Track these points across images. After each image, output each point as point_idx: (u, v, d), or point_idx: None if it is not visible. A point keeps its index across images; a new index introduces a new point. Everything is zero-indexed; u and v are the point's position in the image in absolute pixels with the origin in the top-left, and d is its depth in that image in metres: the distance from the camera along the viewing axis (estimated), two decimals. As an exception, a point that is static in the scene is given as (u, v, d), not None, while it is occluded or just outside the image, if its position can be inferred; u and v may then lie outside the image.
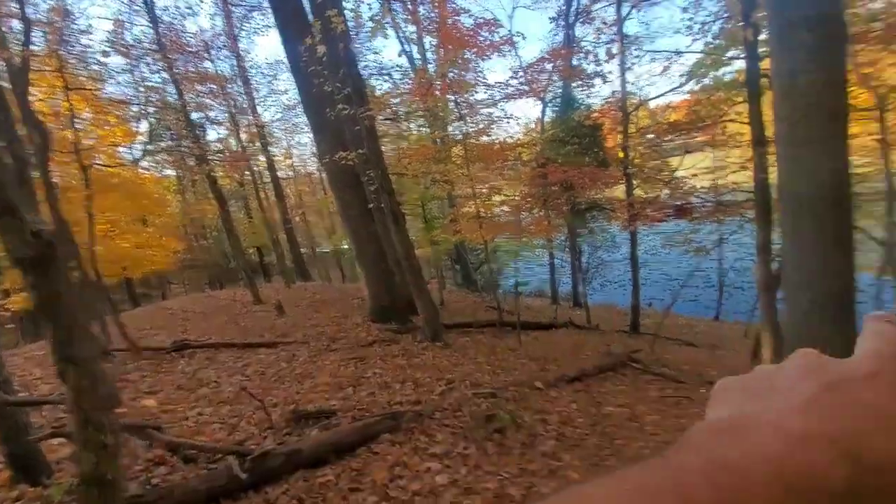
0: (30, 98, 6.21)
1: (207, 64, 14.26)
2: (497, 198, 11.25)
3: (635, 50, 10.61)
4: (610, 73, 10.39)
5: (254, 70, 16.71)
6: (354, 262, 8.61)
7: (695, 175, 10.42)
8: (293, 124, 18.10)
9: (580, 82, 11.73)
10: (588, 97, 12.93)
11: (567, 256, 15.44)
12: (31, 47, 6.62)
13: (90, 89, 8.52)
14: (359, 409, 3.99)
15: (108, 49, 9.54)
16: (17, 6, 6.45)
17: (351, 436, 3.21)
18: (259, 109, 17.05)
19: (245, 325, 8.03)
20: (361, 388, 4.62)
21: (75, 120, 7.96)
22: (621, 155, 10.40)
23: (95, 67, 9.00)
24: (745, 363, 7.14)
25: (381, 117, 8.92)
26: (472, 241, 11.69)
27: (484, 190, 10.19)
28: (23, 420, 2.67)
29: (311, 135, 8.28)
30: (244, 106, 15.92)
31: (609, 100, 11.14)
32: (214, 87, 13.25)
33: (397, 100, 9.02)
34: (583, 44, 12.16)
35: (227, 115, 15.40)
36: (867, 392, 0.23)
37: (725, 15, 6.60)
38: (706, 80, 8.02)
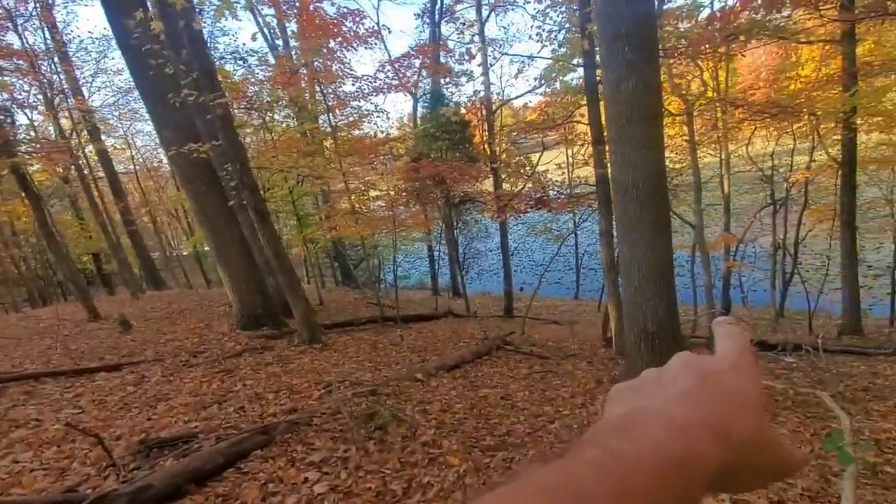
0: None
1: (12, 37, 11.63)
2: (372, 192, 11.14)
3: (495, 52, 11.33)
4: (473, 72, 10.95)
5: (75, 45, 14.07)
6: (216, 263, 7.81)
7: (546, 170, 11.51)
8: (130, 110, 15.71)
9: (448, 79, 12.14)
10: (456, 95, 13.49)
11: (445, 248, 15.99)
12: None
13: None
14: (225, 427, 3.64)
15: None
16: None
17: (214, 459, 2.91)
18: (85, 92, 14.44)
19: (78, 348, 6.78)
20: (228, 404, 4.22)
21: None
22: (488, 151, 11.03)
23: None
24: (597, 335, 8.13)
25: (238, 106, 8.16)
26: (350, 238, 11.42)
27: (359, 185, 10.00)
28: None
29: (150, 122, 7.23)
30: (64, 87, 13.33)
31: (473, 98, 11.75)
32: (22, 63, 10.86)
33: (256, 88, 8.34)
34: (449, 42, 12.60)
35: (40, 97, 12.74)
36: (731, 381, 0.28)
37: (567, 25, 7.36)
38: (556, 84, 8.88)
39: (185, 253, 21.68)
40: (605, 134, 5.19)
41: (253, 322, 7.23)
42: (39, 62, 12.54)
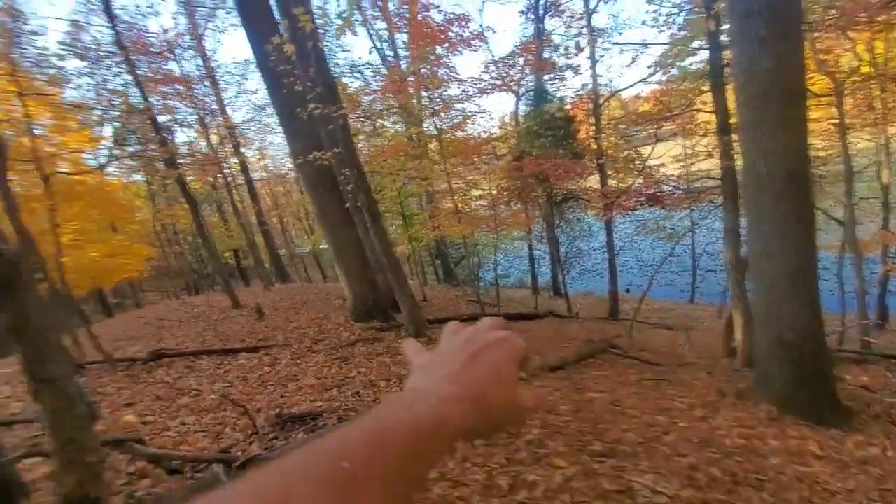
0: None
1: (172, 65, 13.87)
2: (475, 192, 11.31)
3: (604, 42, 10.77)
4: (580, 66, 10.53)
5: (221, 70, 16.32)
6: (334, 261, 8.54)
7: (662, 165, 10.65)
8: (265, 124, 17.77)
9: (552, 75, 11.84)
10: (560, 90, 13.10)
11: (546, 247, 15.65)
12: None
13: (48, 94, 8.17)
14: (344, 409, 3.99)
15: (63, 52, 9.16)
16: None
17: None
18: (229, 110, 16.67)
19: (224, 331, 7.90)
20: (346, 388, 4.61)
21: (33, 126, 7.65)
22: (594, 146, 10.55)
23: (52, 71, 8.64)
24: (718, 343, 7.39)
25: (354, 115, 8.83)
26: (452, 236, 11.73)
27: (461, 185, 10.23)
28: (-4, 441, 2.58)
29: (283, 135, 8.14)
30: (213, 107, 15.54)
31: (580, 92, 11.30)
32: (181, 88, 12.88)
33: (370, 97, 8.95)
34: (553, 37, 12.29)
35: (195, 116, 15.01)
36: (492, 360, 0.38)
37: (689, 6, 6.75)
38: (673, 71, 8.21)
39: (305, 250, 24.03)
40: (734, 121, 4.69)
41: (365, 315, 7.79)
42: (194, 86, 14.77)
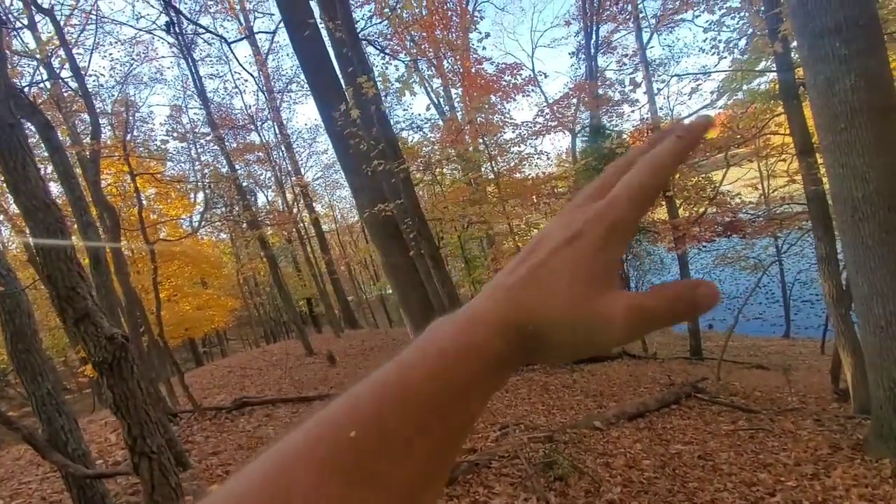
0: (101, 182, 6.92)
1: (253, 135, 15.46)
2: (535, 232, 11.22)
3: (661, 74, 10.60)
4: (637, 100, 10.37)
5: (295, 135, 17.93)
6: (399, 306, 8.73)
7: (738, 193, 9.98)
8: (333, 181, 19.13)
9: (608, 110, 11.76)
10: (618, 124, 12.93)
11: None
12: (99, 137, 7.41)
13: (153, 173, 9.39)
14: (415, 460, 3.96)
15: (167, 137, 10.57)
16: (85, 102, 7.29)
17: (408, 490, 3.18)
18: (302, 170, 18.12)
19: (299, 378, 8.23)
20: (416, 438, 4.59)
21: (141, 199, 8.76)
22: (659, 177, 10.13)
23: (157, 151, 9.96)
24: (824, 384, 6.55)
25: (414, 166, 9.27)
26: (515, 277, 11.54)
27: (521, 225, 10.21)
28: (101, 491, 2.83)
29: (349, 189, 8.68)
30: (288, 169, 16.97)
31: (639, 126, 11.06)
32: (261, 155, 14.26)
33: (429, 148, 9.39)
34: (607, 73, 12.29)
35: (272, 178, 16.46)
36: (557, 263, 0.27)
37: (750, 31, 6.51)
38: (739, 95, 7.84)
39: (371, 296, 24.82)
40: (816, 141, 4.36)
41: (431, 360, 7.81)
42: (272, 152, 16.29)
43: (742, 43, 7.12)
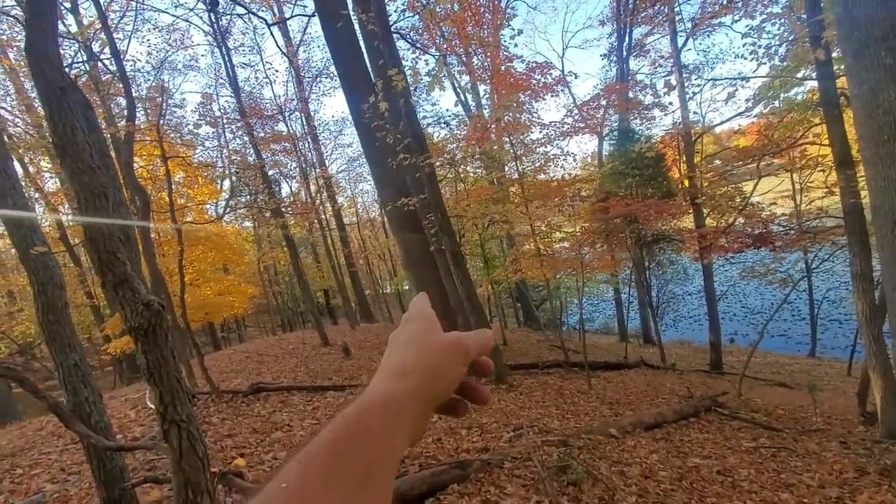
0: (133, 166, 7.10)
1: (281, 125, 15.68)
2: (557, 234, 11.10)
3: (695, 79, 10.33)
4: (670, 103, 10.14)
5: (321, 127, 18.10)
6: (416, 303, 8.73)
7: (773, 203, 9.67)
8: (356, 174, 19.27)
9: (637, 114, 11.54)
10: (648, 129, 12.69)
11: (634, 291, 14.74)
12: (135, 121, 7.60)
13: (183, 156, 9.59)
14: (425, 455, 3.95)
15: (200, 122, 10.79)
16: (122, 86, 7.47)
17: (419, 485, 3.17)
18: (326, 162, 18.31)
19: (314, 368, 8.31)
20: (428, 433, 4.58)
21: (170, 183, 8.96)
22: (686, 184, 9.93)
23: (188, 136, 10.17)
24: (851, 406, 6.32)
25: (438, 163, 9.26)
26: (534, 279, 11.50)
27: (543, 227, 10.12)
28: (120, 464, 2.89)
29: (372, 183, 8.72)
30: (313, 160, 17.16)
31: (670, 130, 10.81)
32: (287, 145, 14.45)
33: (454, 145, 9.36)
34: (638, 76, 12.06)
35: (297, 169, 16.66)
36: (441, 361, 0.40)
37: (791, 38, 6.29)
38: (776, 103, 7.59)
39: (388, 290, 24.95)
40: (856, 153, 4.20)
41: (445, 357, 7.79)
42: (298, 143, 16.48)
43: (782, 50, 6.89)
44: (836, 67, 5.51)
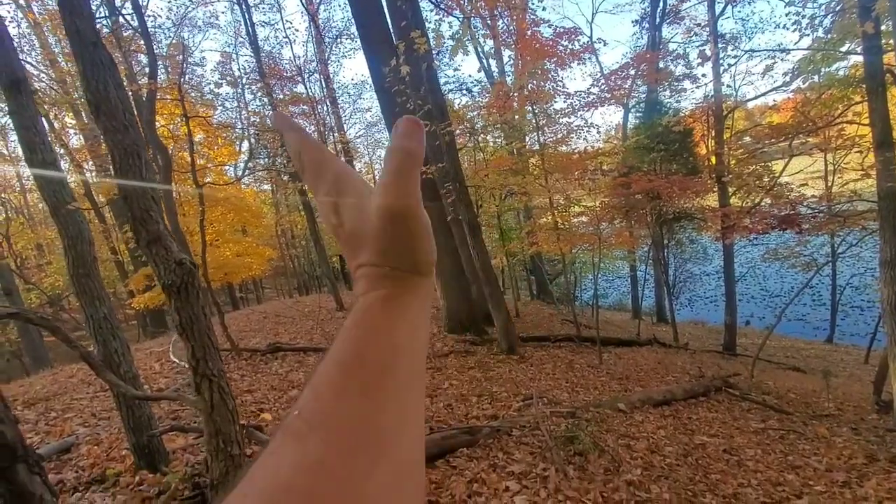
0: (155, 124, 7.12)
1: (300, 87, 15.49)
2: (575, 208, 10.94)
3: (731, 50, 9.81)
4: (703, 75, 9.67)
5: (340, 90, 17.84)
6: (431, 272, 8.79)
7: (804, 184, 9.31)
8: (375, 140, 19.05)
9: (667, 86, 11.09)
10: (677, 101, 12.21)
11: (650, 269, 14.59)
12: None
13: (204, 116, 9.59)
14: (437, 420, 4.06)
15: (220, 81, 10.72)
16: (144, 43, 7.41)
17: (430, 448, 3.28)
18: (344, 127, 18.14)
19: (330, 331, 8.51)
20: (439, 399, 4.70)
21: (192, 143, 9.01)
22: (713, 161, 9.61)
23: (209, 96, 10.13)
24: (865, 394, 6.27)
25: (458, 130, 9.10)
26: (549, 253, 11.43)
27: (562, 200, 9.97)
28: (148, 413, 3.04)
29: (392, 149, 8.63)
30: (331, 124, 17.01)
31: (701, 104, 10.38)
32: (306, 107, 14.32)
33: (475, 113, 9.15)
34: (670, 45, 11.52)
35: (315, 132, 16.55)
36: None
37: (838, 7, 5.88)
38: (815, 78, 7.19)
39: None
40: (898, 137, 4.01)
41: (458, 326, 7.90)
42: (317, 105, 16.30)
43: (827, 21, 6.47)
44: (884, 41, 5.19)
